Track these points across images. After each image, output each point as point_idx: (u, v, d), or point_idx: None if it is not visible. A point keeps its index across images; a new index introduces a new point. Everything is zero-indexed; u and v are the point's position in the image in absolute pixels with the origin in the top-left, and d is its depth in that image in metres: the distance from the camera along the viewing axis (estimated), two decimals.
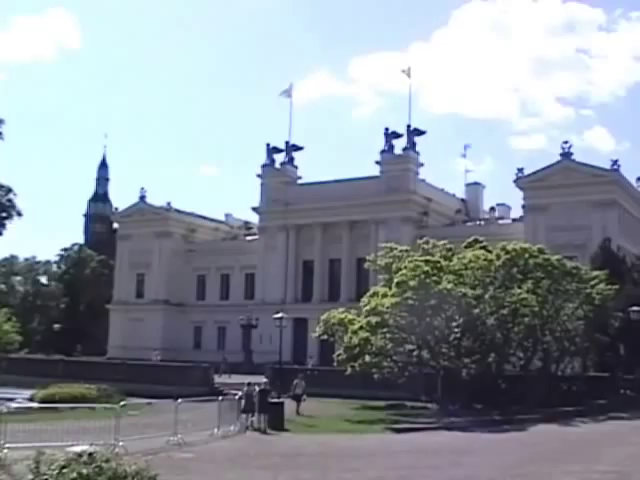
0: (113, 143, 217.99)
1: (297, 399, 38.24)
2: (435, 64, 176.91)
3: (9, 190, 47.84)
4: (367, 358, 43.01)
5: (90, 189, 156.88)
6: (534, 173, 73.37)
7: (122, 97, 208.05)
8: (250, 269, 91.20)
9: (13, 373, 58.78)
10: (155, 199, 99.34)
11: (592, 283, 46.29)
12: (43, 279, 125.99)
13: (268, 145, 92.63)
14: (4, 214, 48.03)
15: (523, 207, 74.46)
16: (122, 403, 26.14)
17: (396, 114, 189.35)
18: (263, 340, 77.91)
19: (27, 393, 43.01)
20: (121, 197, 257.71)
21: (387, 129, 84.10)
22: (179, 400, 26.50)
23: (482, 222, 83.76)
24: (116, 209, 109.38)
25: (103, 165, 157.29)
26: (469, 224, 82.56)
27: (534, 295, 42.77)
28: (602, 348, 47.21)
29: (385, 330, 42.94)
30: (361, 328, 42.39)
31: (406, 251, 48.00)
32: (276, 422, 31.58)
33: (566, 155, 72.10)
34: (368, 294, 45.49)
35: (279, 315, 53.77)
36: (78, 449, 12.18)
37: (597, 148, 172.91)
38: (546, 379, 43.75)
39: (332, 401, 43.48)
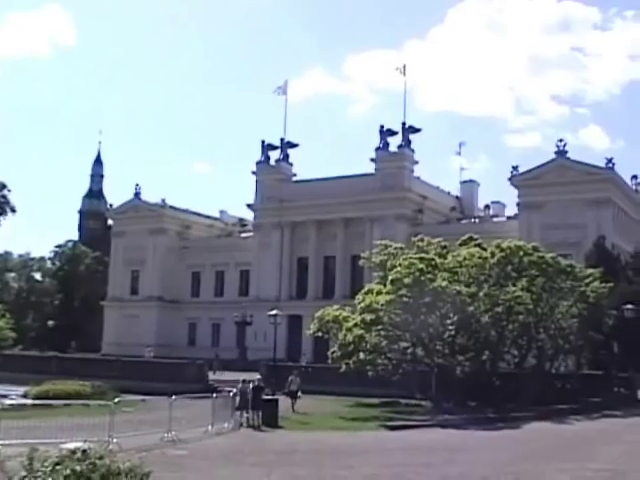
0: (107, 140, 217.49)
1: (292, 396, 38.19)
2: (430, 62, 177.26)
3: (3, 186, 47.86)
4: (361, 355, 42.99)
5: (85, 186, 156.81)
6: (529, 171, 73.48)
7: (117, 94, 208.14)
8: (245, 266, 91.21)
9: (7, 370, 58.65)
10: (150, 196, 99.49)
11: (586, 281, 46.34)
12: (37, 275, 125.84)
13: (263, 142, 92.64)
14: None
15: (518, 205, 74.56)
16: (116, 400, 26.10)
17: (391, 112, 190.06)
18: (257, 337, 77.95)
19: (21, 390, 42.91)
20: (116, 194, 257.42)
21: (382, 127, 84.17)
22: (173, 397, 26.49)
23: (477, 220, 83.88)
24: (111, 206, 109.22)
25: (98, 162, 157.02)
26: (464, 222, 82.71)
27: (528, 293, 42.81)
28: (596, 346, 47.24)
29: (379, 327, 42.92)
30: (355, 325, 42.37)
31: (401, 249, 48.00)
32: (270, 419, 31.55)
33: (561, 153, 72.22)
34: (363, 291, 45.45)
35: (274, 312, 53.64)
36: (72, 446, 12.12)
37: (592, 146, 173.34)
38: (540, 377, 43.79)
39: (326, 398, 43.45)
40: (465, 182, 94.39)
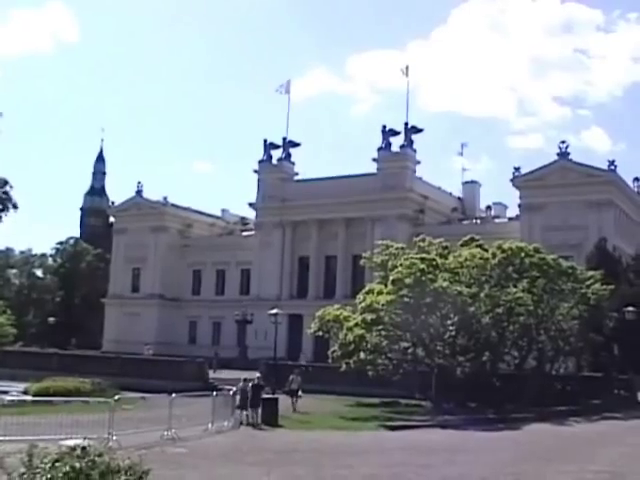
0: (110, 137, 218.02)
1: (292, 395, 38.17)
2: (433, 62, 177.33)
3: (5, 182, 47.76)
4: (362, 355, 42.99)
5: (86, 183, 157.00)
6: (531, 172, 73.43)
7: (119, 91, 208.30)
8: (246, 265, 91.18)
9: (7, 366, 58.74)
10: (152, 193, 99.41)
11: (587, 283, 46.25)
12: (39, 272, 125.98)
13: (265, 141, 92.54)
14: (0, 207, 47.97)
15: (519, 206, 74.51)
16: (116, 397, 26.10)
17: (393, 112, 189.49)
18: (258, 336, 77.93)
19: (21, 386, 42.98)
20: (117, 191, 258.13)
21: (384, 126, 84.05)
22: (173, 395, 26.49)
23: (478, 221, 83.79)
24: (112, 203, 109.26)
25: (100, 159, 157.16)
26: (465, 222, 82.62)
27: (529, 294, 42.77)
28: (597, 348, 47.17)
29: (380, 327, 42.92)
30: (356, 325, 42.38)
31: (402, 249, 47.98)
32: (270, 418, 31.55)
33: (563, 155, 72.16)
34: (363, 291, 45.44)
35: (274, 311, 53.69)
36: (71, 443, 12.15)
37: (594, 148, 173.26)
38: (540, 378, 43.74)
39: (326, 398, 43.48)
40: (467, 183, 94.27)
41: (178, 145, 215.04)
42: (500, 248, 44.52)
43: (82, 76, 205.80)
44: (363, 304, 43.04)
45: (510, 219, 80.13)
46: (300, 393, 38.60)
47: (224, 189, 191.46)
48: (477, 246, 46.49)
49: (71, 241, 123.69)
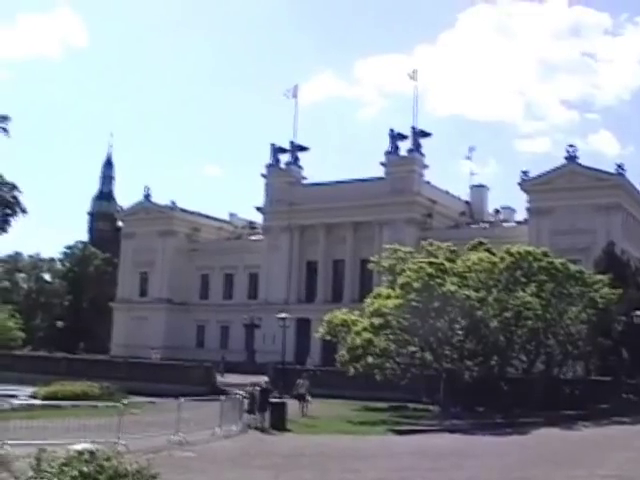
0: (118, 142, 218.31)
1: (300, 399, 38.14)
2: (440, 66, 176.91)
3: (14, 187, 47.88)
4: (370, 359, 43.00)
5: (95, 187, 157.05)
6: (539, 176, 73.38)
7: (128, 96, 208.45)
8: (254, 269, 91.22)
9: (16, 370, 58.89)
10: (160, 198, 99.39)
11: (596, 287, 46.17)
12: (47, 276, 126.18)
13: (273, 145, 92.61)
14: (8, 211, 48.07)
15: (527, 210, 74.47)
16: (124, 401, 26.16)
17: (401, 116, 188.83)
18: (266, 340, 77.95)
19: (29, 390, 43.01)
20: (126, 195, 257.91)
21: (392, 130, 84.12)
22: (181, 399, 26.50)
23: (486, 224, 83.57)
24: (121, 207, 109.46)
25: (108, 163, 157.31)
26: (473, 226, 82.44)
27: (538, 298, 42.72)
28: (605, 352, 47.09)
29: (388, 331, 42.94)
30: (364, 329, 42.42)
31: (410, 253, 48.05)
32: (278, 422, 31.56)
33: (571, 158, 72.05)
34: (371, 295, 45.50)
35: (282, 315, 53.74)
36: (79, 447, 12.18)
37: (602, 152, 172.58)
38: (549, 382, 43.68)
39: (334, 402, 43.41)
40: (475, 187, 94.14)
41: (186, 150, 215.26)
42: (508, 252, 44.49)
43: (90, 81, 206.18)
44: (371, 308, 43.08)
45: (518, 223, 79.96)
46: (309, 398, 38.53)
47: (232, 193, 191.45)
48: (485, 250, 46.50)
49: (79, 245, 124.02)
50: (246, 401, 31.54)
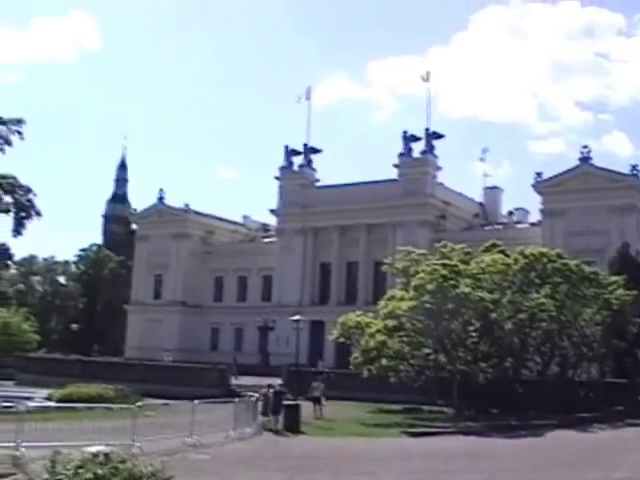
0: (132, 144, 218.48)
1: (316, 402, 38.11)
2: (454, 68, 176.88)
3: (28, 190, 48.09)
4: (384, 361, 42.98)
5: (109, 190, 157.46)
6: (553, 177, 73.22)
7: (142, 99, 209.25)
8: (267, 271, 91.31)
9: (31, 372, 59.17)
10: (174, 201, 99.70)
11: (610, 288, 45.98)
12: (62, 279, 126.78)
13: (287, 147, 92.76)
14: (23, 214, 48.28)
15: (541, 211, 74.33)
16: (139, 404, 26.17)
17: (414, 117, 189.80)
18: (280, 342, 78.02)
19: (45, 392, 43.16)
20: (140, 198, 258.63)
21: (406, 132, 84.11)
22: (195, 401, 26.54)
23: (500, 226, 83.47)
24: (135, 210, 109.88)
25: (122, 166, 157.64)
26: (487, 228, 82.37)
27: (552, 300, 42.57)
28: (620, 354, 46.87)
29: (402, 334, 42.91)
30: (378, 331, 42.42)
31: (424, 255, 47.99)
32: (292, 424, 31.56)
33: (585, 160, 71.88)
34: (385, 297, 45.46)
35: (296, 317, 53.82)
36: (94, 449, 12.22)
37: (616, 153, 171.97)
38: (563, 384, 43.52)
39: (348, 404, 43.39)
40: (488, 188, 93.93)
41: (200, 152, 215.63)
42: (522, 254, 44.39)
43: (104, 83, 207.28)
44: (385, 310, 43.05)
45: (532, 224, 79.72)
46: (324, 401, 38.51)
47: (246, 196, 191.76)
48: (499, 252, 46.37)
49: (94, 248, 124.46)
50: (260, 403, 31.58)
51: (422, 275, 41.74)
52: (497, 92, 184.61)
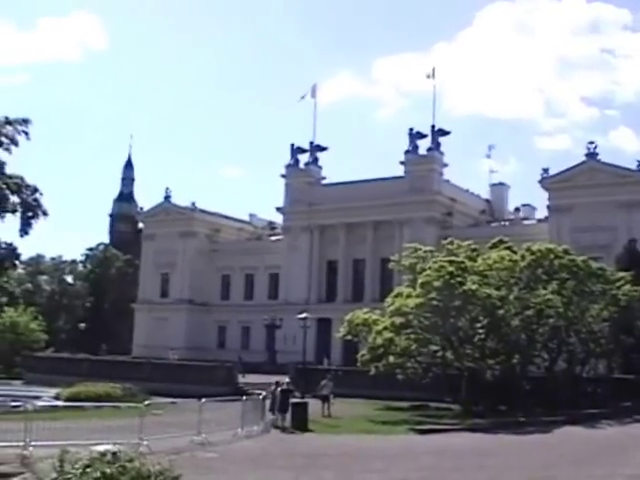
0: (138, 143, 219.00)
1: (324, 400, 38.10)
2: (459, 65, 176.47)
3: (35, 190, 48.31)
4: (391, 359, 42.94)
5: (115, 189, 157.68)
6: (559, 173, 73.05)
7: (148, 98, 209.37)
8: (274, 269, 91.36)
9: (39, 371, 59.37)
10: (180, 199, 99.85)
11: (618, 284, 45.90)
12: (69, 278, 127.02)
13: (292, 145, 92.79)
14: (30, 214, 48.49)
15: (548, 208, 74.16)
16: (146, 402, 26.21)
17: (419, 115, 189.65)
18: (287, 340, 78.04)
19: (53, 391, 43.33)
20: (146, 197, 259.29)
21: (411, 129, 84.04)
22: (203, 399, 26.55)
23: (507, 223, 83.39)
24: (141, 209, 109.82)
25: (128, 165, 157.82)
26: (494, 225, 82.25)
27: (559, 296, 42.47)
28: (627, 350, 46.83)
29: (409, 331, 42.84)
30: (385, 329, 42.35)
31: (430, 251, 47.95)
32: (300, 422, 31.59)
33: (591, 155, 71.73)
34: (392, 294, 45.39)
35: (303, 315, 53.81)
36: (102, 448, 12.25)
37: (622, 148, 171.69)
38: (571, 381, 43.47)
39: (355, 401, 43.44)
40: (495, 185, 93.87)
41: (206, 151, 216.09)
42: (529, 250, 44.29)
43: (110, 83, 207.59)
44: (392, 307, 42.99)
45: (539, 221, 79.60)
46: (332, 399, 38.50)
47: (252, 194, 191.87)
48: (506, 248, 46.29)
49: (100, 247, 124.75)
50: (268, 401, 31.60)
51: (429, 272, 41.68)
52: (503, 88, 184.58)
